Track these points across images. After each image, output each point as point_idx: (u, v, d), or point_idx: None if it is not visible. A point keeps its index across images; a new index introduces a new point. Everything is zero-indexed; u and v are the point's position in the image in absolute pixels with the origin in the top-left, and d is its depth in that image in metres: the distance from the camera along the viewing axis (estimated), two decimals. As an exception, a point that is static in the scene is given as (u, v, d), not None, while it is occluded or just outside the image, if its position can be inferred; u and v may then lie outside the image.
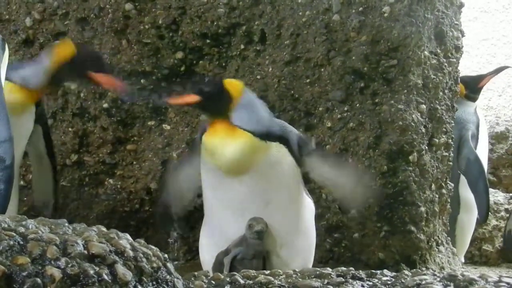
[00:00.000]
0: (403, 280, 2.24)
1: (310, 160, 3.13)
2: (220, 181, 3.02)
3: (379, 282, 2.23)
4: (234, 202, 3.02)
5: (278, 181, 3.05)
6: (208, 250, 3.15)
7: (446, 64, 4.03)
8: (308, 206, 3.21)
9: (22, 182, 3.79)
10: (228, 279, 2.17)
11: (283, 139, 3.06)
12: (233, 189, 3.00)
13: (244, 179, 2.99)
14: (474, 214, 5.01)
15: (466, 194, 5.04)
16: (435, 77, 3.93)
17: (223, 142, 2.98)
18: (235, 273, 2.23)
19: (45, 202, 3.48)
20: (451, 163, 4.16)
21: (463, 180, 5.03)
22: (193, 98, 3.03)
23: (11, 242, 1.75)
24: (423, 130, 3.86)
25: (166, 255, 1.99)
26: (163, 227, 3.41)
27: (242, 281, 2.16)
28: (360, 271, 2.32)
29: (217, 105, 3.02)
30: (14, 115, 2.99)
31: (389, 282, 2.23)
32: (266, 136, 3.03)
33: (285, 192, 3.08)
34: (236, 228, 2.99)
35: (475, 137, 5.13)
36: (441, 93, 4.00)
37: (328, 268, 2.32)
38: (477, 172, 4.91)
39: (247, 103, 3.06)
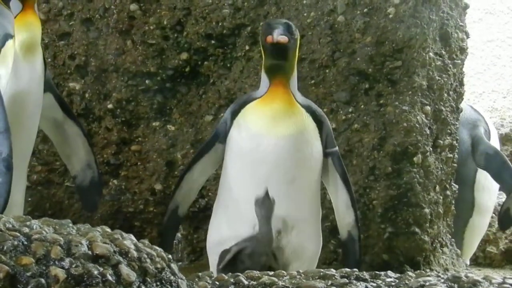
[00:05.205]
0: (407, 282, 2.24)
1: (327, 161, 3.17)
2: (254, 148, 3.06)
3: (383, 283, 2.23)
4: (263, 171, 3.04)
5: (306, 160, 3.09)
6: (217, 229, 3.17)
7: (451, 65, 4.03)
8: (320, 208, 3.24)
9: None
10: (232, 279, 2.17)
11: (319, 122, 3.14)
12: (267, 153, 3.03)
13: (279, 143, 3.02)
14: (487, 218, 4.99)
15: (481, 197, 5.00)
16: (439, 78, 3.93)
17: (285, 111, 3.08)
18: (239, 273, 2.23)
19: (89, 163, 3.43)
20: (455, 164, 4.15)
21: (478, 182, 4.98)
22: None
23: (15, 242, 1.75)
24: (428, 132, 3.85)
25: (170, 256, 1.99)
26: (169, 228, 3.41)
27: (246, 282, 2.16)
28: (364, 272, 2.32)
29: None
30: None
31: (393, 284, 2.23)
32: (308, 108, 3.14)
33: (309, 175, 3.11)
34: (251, 206, 2.99)
35: (488, 133, 5.08)
36: (445, 95, 4.00)
37: (332, 269, 2.32)
38: (500, 163, 4.83)
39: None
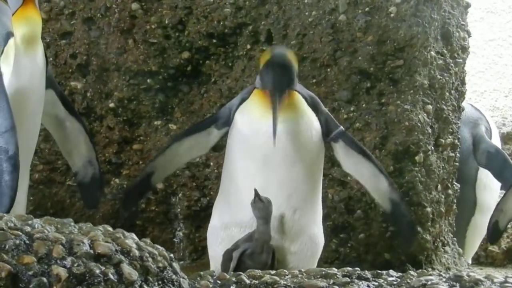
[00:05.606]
0: (409, 281, 2.24)
1: (338, 145, 3.18)
2: (255, 132, 3.08)
3: (385, 282, 2.24)
4: (264, 155, 3.06)
5: (307, 143, 3.10)
6: (221, 215, 3.18)
7: (452, 64, 4.03)
8: (320, 194, 3.24)
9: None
10: (234, 279, 2.18)
11: (313, 106, 3.15)
12: (267, 137, 3.03)
13: (279, 126, 3.03)
14: (489, 217, 4.97)
15: (483, 195, 4.98)
16: (441, 77, 3.93)
17: None
18: (241, 273, 2.23)
19: (90, 160, 3.43)
20: (457, 163, 4.15)
21: (480, 181, 4.96)
22: None
23: (17, 241, 1.75)
24: (430, 131, 3.85)
25: (172, 255, 2.00)
26: (136, 189, 3.45)
27: (248, 281, 2.16)
28: (366, 271, 2.32)
29: None
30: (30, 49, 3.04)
31: (395, 283, 2.23)
32: (304, 94, 3.17)
33: (309, 159, 3.12)
34: (251, 190, 2.98)
35: (489, 131, 5.07)
36: (447, 94, 3.99)
37: (334, 268, 2.33)
38: (501, 161, 4.80)
39: None
